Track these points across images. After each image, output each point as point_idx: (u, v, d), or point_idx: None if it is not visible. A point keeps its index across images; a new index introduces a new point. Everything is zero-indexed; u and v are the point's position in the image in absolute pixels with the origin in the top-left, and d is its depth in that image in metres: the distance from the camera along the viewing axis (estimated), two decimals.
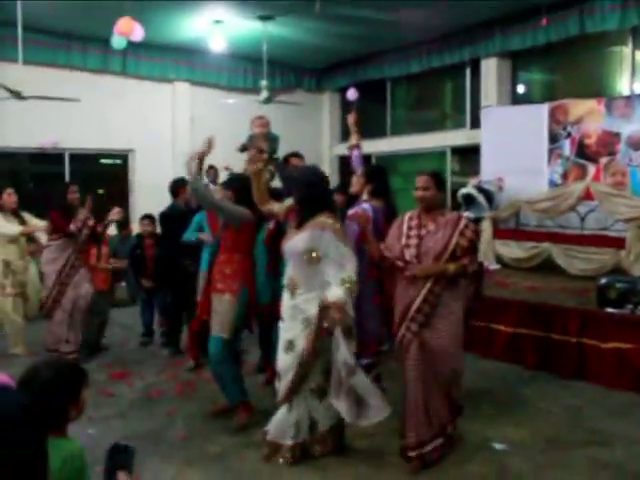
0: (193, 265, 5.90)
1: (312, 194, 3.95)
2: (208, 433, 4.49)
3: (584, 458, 4.09)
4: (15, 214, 6.52)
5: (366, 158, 12.05)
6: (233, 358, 4.59)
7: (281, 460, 3.98)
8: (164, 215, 6.59)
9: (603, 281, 5.77)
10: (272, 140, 6.11)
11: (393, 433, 4.11)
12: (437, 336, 3.84)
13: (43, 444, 1.18)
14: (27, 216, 6.68)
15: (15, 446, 1.10)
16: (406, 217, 4.03)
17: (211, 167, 9.23)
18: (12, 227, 6.38)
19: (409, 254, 3.87)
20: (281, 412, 4.04)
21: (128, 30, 7.01)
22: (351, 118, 5.64)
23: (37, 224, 6.64)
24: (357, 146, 5.50)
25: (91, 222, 6.26)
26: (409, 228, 3.95)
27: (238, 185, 4.60)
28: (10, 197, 6.45)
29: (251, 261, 4.59)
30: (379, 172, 5.56)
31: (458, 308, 3.95)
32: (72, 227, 6.04)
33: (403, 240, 3.92)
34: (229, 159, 7.59)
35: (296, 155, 6.22)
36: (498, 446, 4.27)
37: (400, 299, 3.95)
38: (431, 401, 3.89)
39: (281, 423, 4.02)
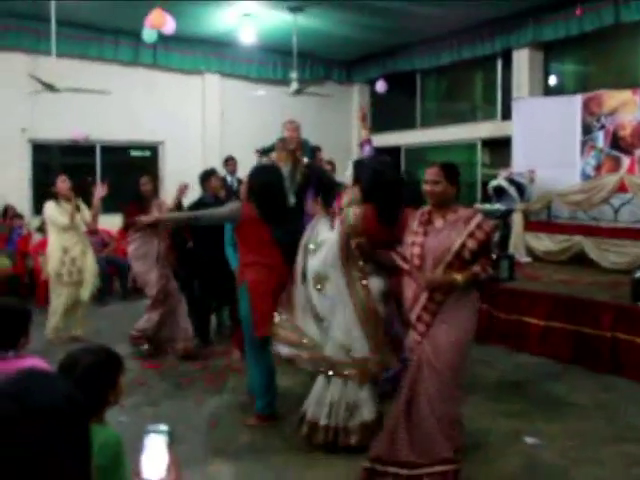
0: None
1: (365, 184, 4.07)
2: (238, 422, 4.51)
3: (617, 454, 4.03)
4: (70, 201, 6.51)
5: (395, 150, 12.12)
6: (257, 357, 4.48)
7: (314, 440, 3.99)
8: (192, 206, 6.60)
9: (638, 275, 5.67)
10: (305, 145, 6.13)
11: None
12: (435, 347, 3.45)
13: (88, 434, 1.18)
14: (82, 204, 6.64)
15: (62, 438, 1.10)
16: (419, 213, 3.66)
17: (231, 158, 9.14)
18: (63, 218, 6.39)
19: (414, 253, 3.54)
20: (318, 386, 4.06)
21: (160, 23, 7.04)
22: (359, 114, 5.64)
23: (84, 215, 6.61)
24: (368, 141, 5.46)
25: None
26: (419, 224, 3.59)
27: (256, 180, 4.53)
28: (64, 184, 6.45)
29: (251, 257, 4.42)
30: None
31: (466, 316, 3.52)
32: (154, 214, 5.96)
33: (411, 237, 3.59)
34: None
35: (318, 149, 6.26)
36: (529, 440, 4.22)
37: (405, 302, 3.71)
38: (420, 422, 3.49)
39: (317, 399, 4.04)
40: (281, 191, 4.62)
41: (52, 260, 6.46)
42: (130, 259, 6.39)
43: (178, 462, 1.60)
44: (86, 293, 6.62)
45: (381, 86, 10.67)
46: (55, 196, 6.46)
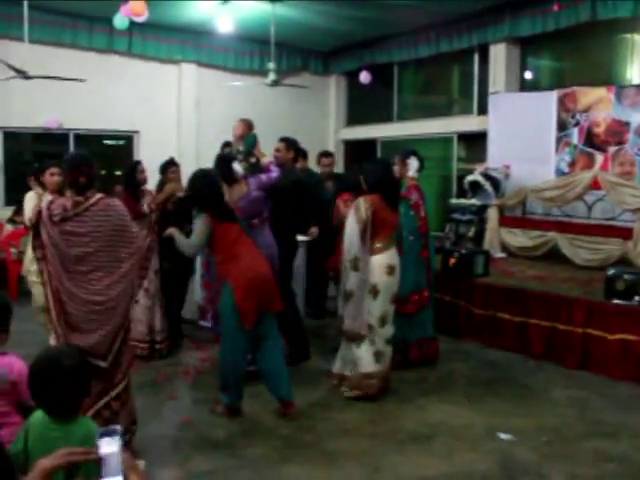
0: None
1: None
2: (214, 418, 4.50)
3: (589, 449, 4.09)
4: (60, 194, 6.20)
5: (372, 143, 12.11)
6: (234, 352, 4.46)
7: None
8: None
9: (611, 272, 5.73)
10: (247, 141, 6.11)
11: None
12: None
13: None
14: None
15: None
16: None
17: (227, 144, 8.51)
18: (29, 214, 6.01)
19: None
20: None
21: (140, 11, 6.89)
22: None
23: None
24: (270, 165, 5.48)
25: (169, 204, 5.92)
26: None
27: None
28: (52, 177, 5.75)
29: (225, 254, 4.48)
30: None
31: None
32: (144, 208, 5.62)
33: None
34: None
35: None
36: (503, 436, 4.27)
37: None
38: None
39: None
40: (212, 189, 4.55)
41: (25, 257, 6.25)
42: None
43: (134, 462, 1.58)
44: None
45: (365, 77, 10.64)
46: (42, 186, 5.91)
